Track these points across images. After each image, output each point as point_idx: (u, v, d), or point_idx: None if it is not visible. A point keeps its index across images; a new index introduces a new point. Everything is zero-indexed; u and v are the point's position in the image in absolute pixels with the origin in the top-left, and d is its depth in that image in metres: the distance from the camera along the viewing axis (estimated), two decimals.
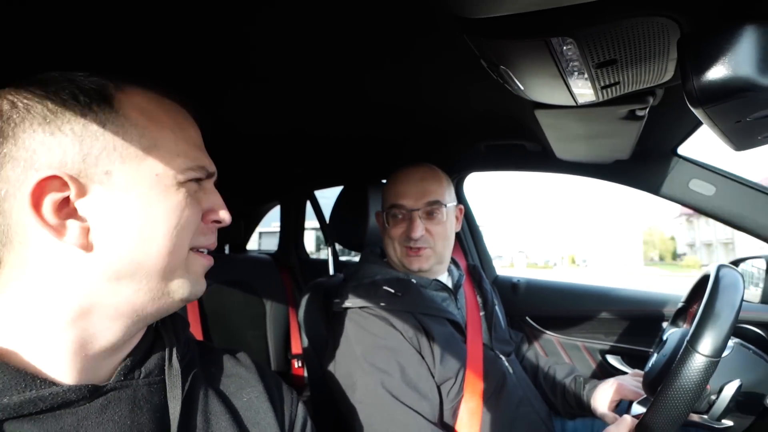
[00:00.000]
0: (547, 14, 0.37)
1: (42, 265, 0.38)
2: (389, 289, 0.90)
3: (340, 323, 0.88)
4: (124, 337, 0.42)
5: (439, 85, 0.78)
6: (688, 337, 0.58)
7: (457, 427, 0.83)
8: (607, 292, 1.34)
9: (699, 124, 0.85)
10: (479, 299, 1.04)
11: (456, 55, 0.64)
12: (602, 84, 0.50)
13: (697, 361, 0.56)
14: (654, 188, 1.03)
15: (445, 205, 0.96)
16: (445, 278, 1.01)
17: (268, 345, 1.71)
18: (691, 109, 0.39)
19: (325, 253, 1.85)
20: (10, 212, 0.38)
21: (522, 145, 1.13)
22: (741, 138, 0.46)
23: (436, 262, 0.96)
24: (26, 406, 0.35)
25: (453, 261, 1.07)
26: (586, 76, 0.48)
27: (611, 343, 1.27)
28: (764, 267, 1.12)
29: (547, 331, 1.37)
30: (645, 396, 0.80)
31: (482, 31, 0.42)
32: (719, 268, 0.67)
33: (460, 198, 1.51)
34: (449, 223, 0.97)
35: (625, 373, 1.17)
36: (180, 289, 0.44)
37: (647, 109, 0.68)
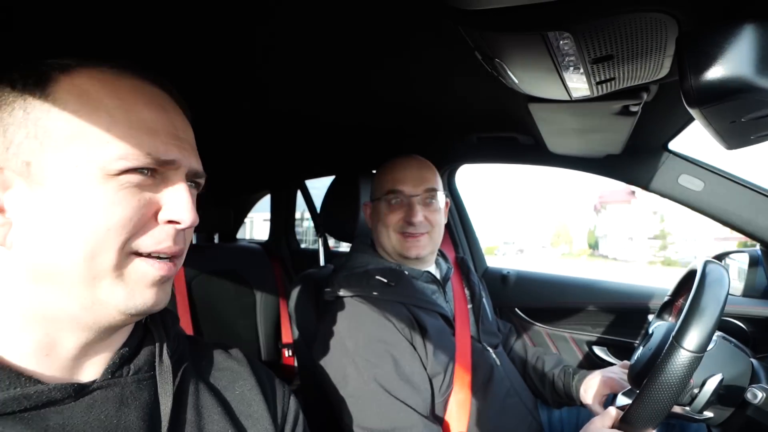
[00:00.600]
0: (544, 8, 0.36)
1: None
2: (381, 278, 0.89)
3: (331, 313, 0.88)
4: (88, 342, 0.39)
5: (433, 76, 0.77)
6: (673, 333, 0.59)
7: (447, 418, 0.84)
8: (594, 284, 1.36)
9: (690, 120, 0.85)
10: (467, 292, 1.05)
11: (451, 48, 0.62)
12: (598, 79, 0.49)
13: (682, 357, 0.57)
14: (644, 183, 1.04)
15: (440, 193, 0.97)
16: (433, 270, 1.02)
17: (259, 335, 1.70)
18: (688, 108, 0.38)
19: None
20: None
21: (514, 138, 1.13)
22: (734, 137, 0.46)
23: (431, 250, 0.97)
24: (10, 404, 0.34)
25: (441, 253, 1.08)
26: (581, 70, 0.47)
27: (598, 335, 1.29)
28: (747, 261, 1.14)
29: (536, 323, 1.39)
30: (630, 388, 0.81)
31: (478, 23, 0.41)
32: (706, 263, 0.68)
33: (452, 189, 1.51)
34: (442, 211, 0.98)
35: (611, 364, 1.19)
36: (113, 299, 0.38)
37: (641, 105, 0.68)
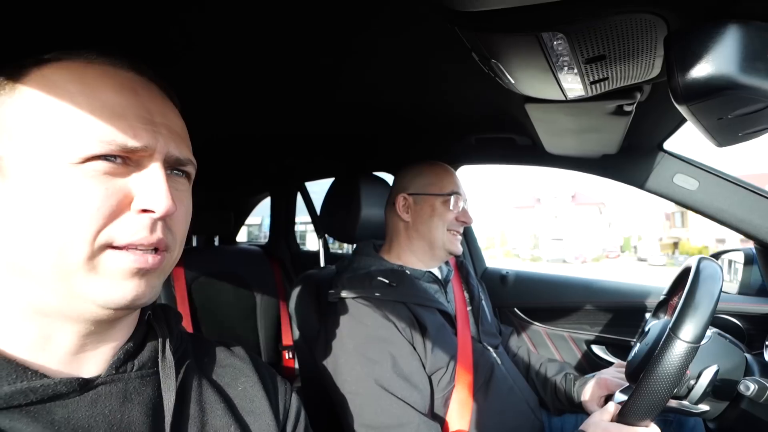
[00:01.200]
0: (538, 9, 0.38)
1: None
2: (384, 279, 0.92)
3: (334, 314, 0.89)
4: (83, 337, 0.39)
5: (431, 78, 0.78)
6: (670, 325, 0.60)
7: (448, 417, 0.85)
8: (592, 284, 1.37)
9: (684, 120, 0.87)
10: (466, 294, 1.07)
11: (447, 49, 0.64)
12: (591, 79, 0.51)
13: (678, 347, 0.58)
14: (640, 182, 1.05)
15: None
16: (436, 270, 1.03)
17: (259, 336, 1.71)
18: (676, 105, 0.40)
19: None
20: None
21: (512, 139, 1.14)
22: (723, 134, 0.47)
23: None
24: (17, 397, 0.35)
25: None
26: (575, 71, 0.48)
27: (596, 334, 1.30)
28: (742, 260, 1.16)
29: (535, 322, 1.40)
30: (628, 385, 0.82)
31: (474, 24, 0.42)
32: (700, 260, 0.69)
33: None
34: None
35: (609, 362, 1.20)
36: (89, 293, 0.36)
37: (635, 105, 0.69)
